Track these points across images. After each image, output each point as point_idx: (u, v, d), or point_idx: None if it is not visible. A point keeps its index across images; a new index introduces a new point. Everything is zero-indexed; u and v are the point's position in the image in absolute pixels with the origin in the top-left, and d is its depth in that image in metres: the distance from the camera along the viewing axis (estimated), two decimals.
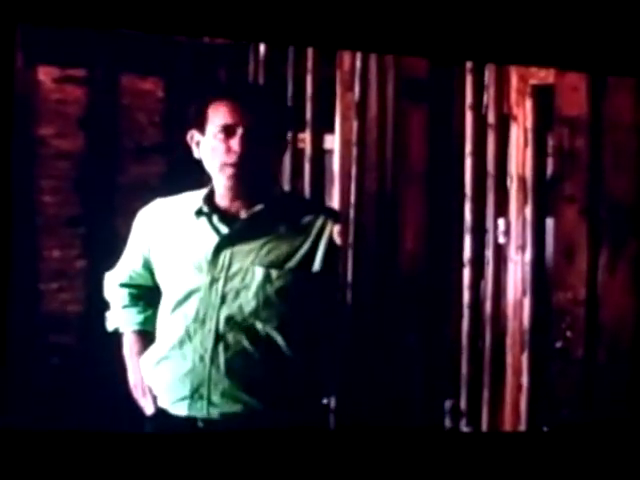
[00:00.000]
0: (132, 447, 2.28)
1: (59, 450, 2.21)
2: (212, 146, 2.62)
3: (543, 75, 2.60)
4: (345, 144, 3.20)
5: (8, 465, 2.16)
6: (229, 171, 2.62)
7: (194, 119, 2.68)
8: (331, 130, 3.36)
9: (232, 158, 2.60)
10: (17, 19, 2.16)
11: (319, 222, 2.70)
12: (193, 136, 2.68)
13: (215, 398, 2.62)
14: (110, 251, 3.06)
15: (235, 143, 2.59)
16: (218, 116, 2.61)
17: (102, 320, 2.99)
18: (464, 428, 2.83)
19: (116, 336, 2.93)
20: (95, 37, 4.04)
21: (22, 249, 3.84)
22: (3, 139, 2.14)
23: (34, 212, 4.08)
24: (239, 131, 2.59)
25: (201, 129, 2.65)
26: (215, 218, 2.67)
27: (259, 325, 2.62)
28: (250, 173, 2.62)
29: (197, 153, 2.69)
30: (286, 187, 3.65)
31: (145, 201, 2.86)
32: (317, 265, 2.66)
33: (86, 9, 2.18)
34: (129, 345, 2.86)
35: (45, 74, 4.07)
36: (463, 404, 2.83)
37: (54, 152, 4.11)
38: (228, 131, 2.60)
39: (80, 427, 2.71)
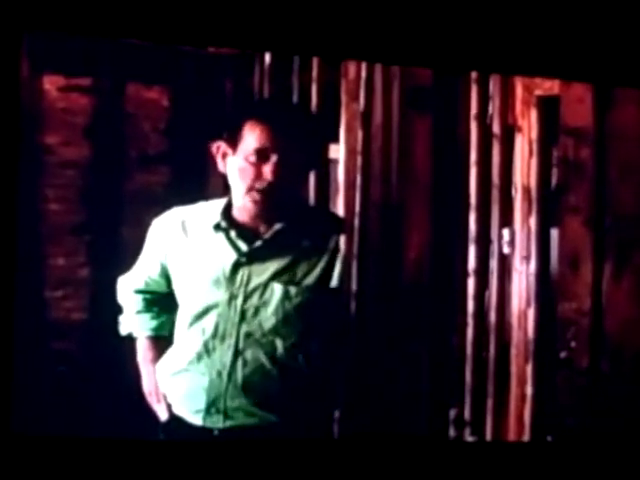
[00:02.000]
0: (143, 454, 2.28)
1: (68, 457, 2.22)
2: (242, 167, 2.59)
3: (548, 86, 2.61)
4: (350, 153, 3.20)
5: (17, 473, 2.16)
6: (256, 196, 2.59)
7: (227, 134, 2.64)
8: (336, 139, 3.36)
9: (262, 184, 2.57)
10: (23, 28, 2.17)
11: (336, 237, 2.70)
12: (220, 148, 2.65)
13: (231, 412, 2.62)
14: (115, 259, 3.07)
15: (268, 170, 2.56)
16: (253, 138, 2.57)
17: (107, 327, 2.99)
18: (468, 437, 2.83)
19: (122, 343, 2.94)
20: (100, 46, 4.05)
21: (27, 257, 3.85)
22: (9, 148, 2.15)
23: (39, 220, 4.09)
24: (273, 158, 2.56)
25: (233, 146, 2.61)
26: (233, 234, 2.65)
27: (278, 342, 2.61)
28: (277, 198, 2.59)
29: (222, 166, 2.66)
30: None
31: (150, 209, 2.86)
32: (335, 281, 2.66)
33: (92, 18, 2.19)
34: (143, 351, 2.86)
35: (51, 83, 4.08)
36: (467, 413, 2.83)
37: (59, 160, 4.12)
38: (261, 155, 2.56)
39: (88, 434, 2.71)
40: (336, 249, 2.68)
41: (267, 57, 3.86)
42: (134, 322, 2.89)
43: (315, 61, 3.52)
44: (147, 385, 2.84)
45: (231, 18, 2.27)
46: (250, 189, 2.59)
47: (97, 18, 2.19)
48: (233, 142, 2.62)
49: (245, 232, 2.66)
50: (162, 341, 2.81)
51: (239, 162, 2.60)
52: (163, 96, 4.27)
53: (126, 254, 2.93)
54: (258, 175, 2.58)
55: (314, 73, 3.53)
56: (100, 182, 4.17)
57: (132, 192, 4.19)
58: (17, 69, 2.17)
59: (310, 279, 2.63)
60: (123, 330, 2.92)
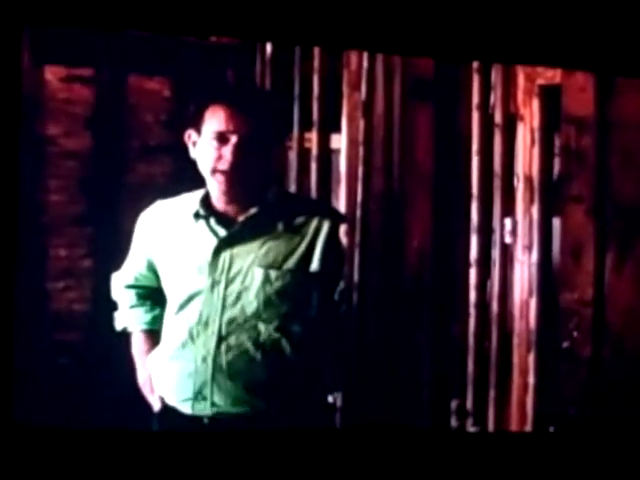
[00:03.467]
0: (138, 444, 2.28)
1: (68, 448, 2.22)
2: (206, 150, 2.62)
3: (550, 75, 2.61)
4: (352, 144, 3.21)
5: (17, 462, 2.16)
6: (220, 177, 2.62)
7: (192, 119, 2.68)
8: (338, 130, 3.36)
9: (223, 165, 2.60)
10: (24, 19, 2.16)
11: (316, 221, 2.69)
12: (190, 136, 2.68)
13: (217, 399, 2.62)
14: (116, 250, 3.06)
15: (227, 151, 2.59)
16: (214, 121, 2.60)
17: (109, 318, 2.99)
18: (470, 428, 2.83)
19: (123, 334, 2.94)
20: (102, 37, 4.05)
21: (29, 248, 3.85)
22: (10, 138, 2.14)
23: (41, 211, 4.09)
24: (233, 139, 2.58)
25: (198, 130, 2.65)
26: (212, 221, 2.67)
27: (261, 326, 2.62)
28: (242, 179, 2.61)
29: (193, 153, 2.69)
30: (292, 187, 3.65)
31: (151, 200, 2.86)
32: (315, 264, 2.66)
33: (93, 9, 2.19)
34: (137, 344, 2.87)
35: (52, 74, 4.08)
36: (469, 404, 2.84)
37: (61, 151, 4.11)
38: (222, 138, 2.60)
39: (87, 424, 2.72)
40: (316, 233, 2.68)
41: (269, 47, 3.86)
42: (128, 317, 2.90)
43: (317, 51, 3.52)
44: (141, 377, 2.85)
45: (233, 8, 2.26)
46: (214, 171, 2.62)
47: (98, 9, 2.19)
48: (198, 127, 2.65)
49: (224, 218, 2.68)
50: (156, 334, 2.82)
51: (203, 145, 2.63)
52: (164, 87, 4.27)
53: (128, 245, 2.93)
54: (220, 157, 2.60)
55: (316, 63, 3.53)
56: (101, 173, 4.17)
57: (134, 183, 4.19)
58: (18, 60, 2.17)
59: (290, 263, 2.64)
60: (118, 325, 2.93)
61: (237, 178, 2.60)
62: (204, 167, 2.64)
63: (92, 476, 2.22)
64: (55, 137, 4.10)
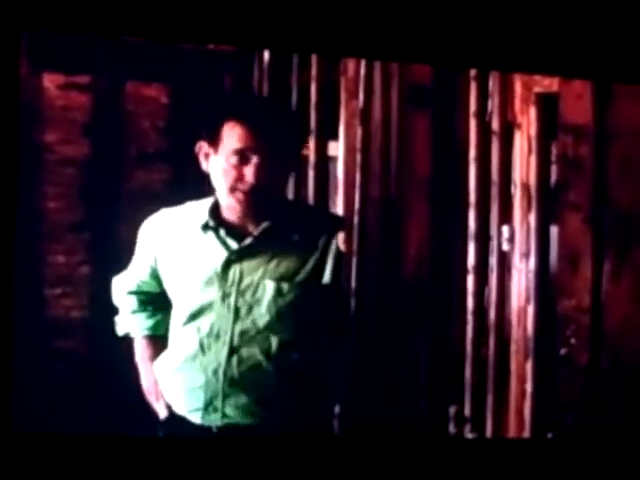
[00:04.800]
0: (140, 451, 2.28)
1: (67, 455, 2.22)
2: (224, 168, 2.56)
3: (547, 83, 2.61)
4: (349, 151, 3.20)
5: (17, 471, 2.16)
6: (240, 196, 2.57)
7: (207, 134, 2.61)
8: (335, 137, 3.36)
9: (244, 185, 2.55)
10: (22, 26, 2.17)
11: (327, 233, 2.68)
12: (202, 148, 2.63)
13: (229, 410, 2.62)
14: (114, 257, 3.06)
15: (249, 172, 2.53)
16: (233, 138, 2.54)
17: (106, 325, 2.99)
18: (468, 434, 2.83)
19: (121, 341, 2.94)
20: (100, 44, 4.06)
21: (26, 255, 3.85)
22: (8, 145, 2.15)
23: (38, 218, 4.09)
24: (254, 159, 2.53)
25: (214, 146, 2.59)
26: (222, 232, 2.64)
27: (273, 338, 2.61)
28: (261, 197, 2.58)
29: (205, 166, 2.64)
30: (290, 194, 3.65)
31: (149, 207, 2.85)
32: (327, 277, 2.65)
33: (91, 16, 2.19)
34: (140, 351, 2.86)
35: (50, 81, 4.08)
36: (467, 410, 2.84)
37: (59, 158, 4.12)
38: (242, 156, 2.54)
39: (88, 432, 2.71)
40: (327, 246, 2.66)
41: (266, 55, 3.86)
42: (130, 322, 2.89)
43: (314, 58, 3.52)
44: (146, 384, 2.84)
45: (230, 15, 2.27)
46: (233, 190, 2.57)
47: (96, 16, 2.19)
48: (214, 142, 2.58)
49: (234, 230, 2.65)
50: (159, 340, 2.81)
51: (221, 163, 2.57)
52: (162, 93, 4.28)
53: (125, 252, 2.93)
54: (240, 177, 2.55)
55: (313, 71, 3.53)
56: (99, 180, 4.18)
57: (131, 190, 4.19)
58: (16, 67, 2.17)
59: (302, 275, 2.62)
60: (120, 330, 2.92)
61: (257, 197, 2.57)
62: (221, 183, 2.59)
63: None
64: (53, 144, 4.11)
